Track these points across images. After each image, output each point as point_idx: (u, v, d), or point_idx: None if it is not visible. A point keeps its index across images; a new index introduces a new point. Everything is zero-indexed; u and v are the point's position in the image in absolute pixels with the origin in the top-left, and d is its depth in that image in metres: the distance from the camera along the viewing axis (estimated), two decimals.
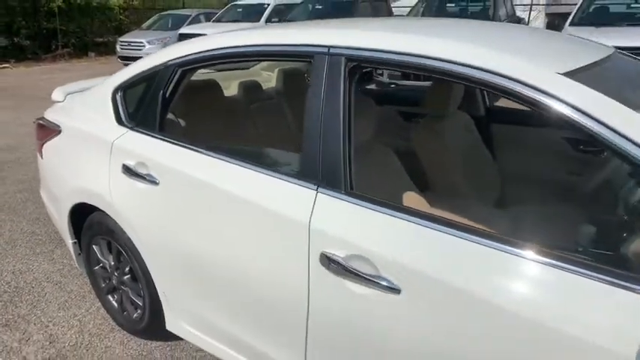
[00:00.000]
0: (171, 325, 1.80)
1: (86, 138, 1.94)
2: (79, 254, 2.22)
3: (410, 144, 2.09)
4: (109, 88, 1.95)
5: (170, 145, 1.63)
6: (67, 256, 2.72)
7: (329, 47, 1.28)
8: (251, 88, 2.41)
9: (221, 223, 1.42)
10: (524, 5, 11.47)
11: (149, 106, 1.75)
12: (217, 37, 1.59)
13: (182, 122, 1.98)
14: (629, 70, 1.37)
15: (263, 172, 1.35)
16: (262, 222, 1.31)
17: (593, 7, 6.72)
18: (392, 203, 1.14)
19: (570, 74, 0.98)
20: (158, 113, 1.71)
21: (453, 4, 8.07)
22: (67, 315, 2.24)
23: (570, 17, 6.90)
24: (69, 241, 2.20)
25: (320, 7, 9.15)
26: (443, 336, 1.02)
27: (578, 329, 0.87)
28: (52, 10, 13.11)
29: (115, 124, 1.84)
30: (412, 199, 1.72)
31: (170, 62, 1.69)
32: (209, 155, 1.50)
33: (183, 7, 17.18)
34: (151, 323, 1.90)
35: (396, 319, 1.07)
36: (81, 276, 2.48)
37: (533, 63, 1.00)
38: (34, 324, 2.17)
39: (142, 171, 1.65)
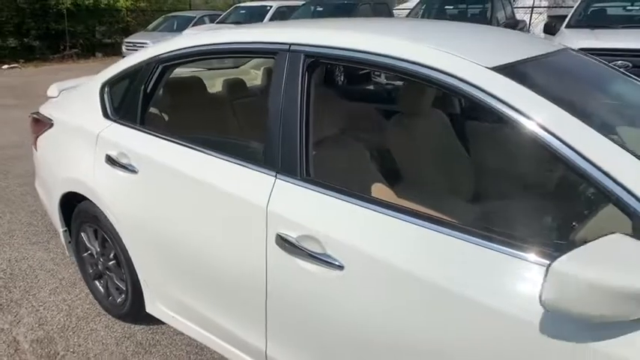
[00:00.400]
0: (150, 307, 1.90)
1: (75, 130, 2.05)
2: (69, 242, 2.33)
3: (384, 140, 2.18)
4: (97, 84, 2.06)
5: (149, 136, 1.73)
6: (61, 246, 2.83)
7: (290, 45, 1.38)
8: (235, 86, 2.52)
9: (191, 208, 1.52)
10: (525, 8, 11.51)
11: (132, 100, 1.86)
12: (194, 35, 1.70)
13: (164, 116, 2.09)
14: (571, 67, 1.44)
15: (230, 161, 1.45)
16: (227, 207, 1.41)
17: (589, 9, 6.76)
18: (341, 188, 1.23)
19: (498, 68, 1.07)
20: (139, 107, 1.82)
21: (452, 7, 8.12)
22: (57, 300, 2.35)
23: (567, 20, 6.95)
24: (60, 229, 2.32)
25: (321, 9, 9.26)
26: (381, 309, 1.11)
27: (497, 299, 0.95)
28: (61, 11, 13.36)
29: (102, 117, 1.96)
30: (380, 190, 1.81)
31: (151, 59, 1.80)
32: (183, 146, 1.61)
33: (190, 9, 17.43)
34: (132, 307, 2.01)
35: (339, 294, 1.16)
36: (73, 264, 2.59)
37: (465, 57, 1.09)
38: (26, 308, 2.29)
39: (123, 160, 1.76)
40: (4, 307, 2.29)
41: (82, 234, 2.18)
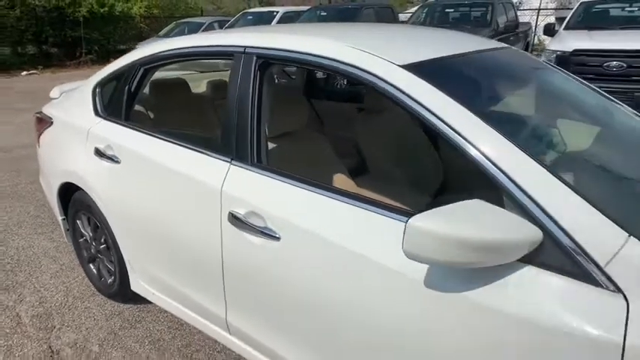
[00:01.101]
0: (134, 285, 2.11)
1: (71, 127, 2.28)
2: (68, 230, 2.56)
3: (351, 136, 2.36)
4: (91, 85, 2.29)
5: (131, 130, 1.94)
6: (63, 236, 3.07)
7: (245, 47, 1.57)
8: (218, 86, 2.73)
9: (162, 193, 1.72)
10: (532, 10, 11.53)
11: (118, 99, 2.08)
12: (168, 40, 1.91)
13: (149, 113, 2.31)
14: (495, 64, 1.60)
15: (196, 150, 1.65)
16: (191, 190, 1.60)
17: (587, 11, 6.81)
18: (283, 172, 1.41)
19: (409, 66, 1.24)
20: (124, 105, 2.04)
21: (452, 10, 8.25)
22: (56, 282, 2.58)
23: (565, 21, 7.03)
24: (59, 217, 2.56)
25: (324, 14, 9.48)
26: (311, 273, 1.28)
27: (392, 260, 1.11)
28: (77, 19, 13.85)
29: (93, 114, 2.18)
30: (341, 181, 1.99)
31: (133, 63, 2.02)
32: (159, 138, 1.81)
33: (202, 15, 17.85)
34: (120, 286, 2.22)
35: (277, 262, 1.34)
36: (73, 252, 2.82)
37: (380, 56, 1.26)
38: (28, 289, 2.52)
39: (109, 152, 1.97)
40: (9, 288, 2.53)
41: (78, 221, 2.41)
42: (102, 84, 2.23)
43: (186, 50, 1.82)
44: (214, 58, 1.78)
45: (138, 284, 2.09)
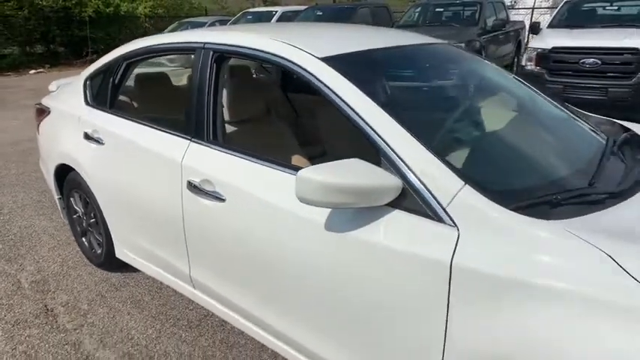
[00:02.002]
0: (118, 252, 2.41)
1: (64, 115, 2.59)
2: (63, 208, 2.88)
3: (310, 122, 2.64)
4: (82, 78, 2.60)
5: (113, 116, 2.24)
6: (61, 217, 3.39)
7: (204, 43, 1.86)
8: None
9: (137, 168, 2.02)
10: (526, 9, 11.71)
11: (104, 89, 2.38)
12: (147, 38, 2.21)
13: (132, 102, 2.61)
14: (420, 57, 1.87)
15: (165, 131, 1.94)
16: (158, 164, 1.90)
17: (571, 10, 7.03)
18: (230, 147, 1.70)
19: (327, 58, 1.52)
20: (109, 94, 2.34)
21: (443, 9, 8.48)
22: (53, 255, 2.89)
23: (549, 20, 7.25)
24: (55, 196, 2.87)
25: (320, 13, 9.75)
26: (250, 227, 1.57)
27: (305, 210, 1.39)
28: (84, 19, 14.27)
29: (83, 104, 2.48)
30: (298, 160, 2.28)
31: (117, 57, 2.32)
32: (136, 122, 2.11)
33: (206, 15, 18.21)
34: (107, 255, 2.52)
35: (224, 219, 1.63)
36: (70, 230, 3.13)
37: (304, 49, 1.55)
38: (29, 260, 2.84)
39: (95, 135, 2.28)
40: (12, 259, 2.85)
41: (71, 199, 2.72)
42: (92, 77, 2.54)
43: (160, 46, 2.12)
44: (181, 53, 2.07)
45: (121, 252, 2.39)
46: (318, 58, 1.52)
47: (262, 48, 1.64)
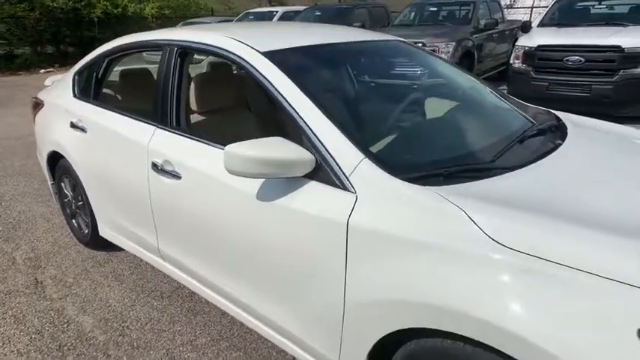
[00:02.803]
0: (101, 231, 2.66)
1: (55, 107, 2.84)
2: (56, 193, 3.13)
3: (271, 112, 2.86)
4: (71, 73, 2.85)
5: (95, 107, 2.48)
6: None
7: (170, 41, 2.09)
8: None
9: (113, 152, 2.25)
10: (525, 8, 11.79)
11: (89, 83, 2.63)
12: (123, 37, 2.45)
13: (116, 95, 2.85)
14: (355, 52, 2.08)
15: (137, 119, 2.17)
16: (130, 148, 2.12)
17: (561, 9, 7.15)
18: (188, 131, 1.92)
19: (267, 53, 1.73)
20: (93, 87, 2.59)
21: (436, 8, 8.64)
22: (47, 236, 3.15)
23: (539, 19, 7.38)
24: (49, 182, 3.13)
25: (319, 13, 9.96)
26: (203, 201, 1.79)
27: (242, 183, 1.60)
28: (93, 20, 14.68)
29: (72, 96, 2.73)
30: None
31: (100, 54, 2.57)
32: (115, 112, 2.34)
33: (212, 16, 18.54)
34: (92, 234, 2.76)
35: (181, 195, 1.85)
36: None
37: (248, 44, 1.76)
38: (24, 240, 3.10)
39: (79, 124, 2.52)
40: (9, 239, 3.11)
41: (62, 184, 2.97)
42: (79, 72, 2.79)
43: (135, 44, 2.36)
44: (152, 49, 2.30)
45: (104, 230, 2.63)
46: (260, 52, 1.74)
47: (215, 44, 1.87)
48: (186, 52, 2.05)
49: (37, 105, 3.11)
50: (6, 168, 4.64)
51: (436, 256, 1.16)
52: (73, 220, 3.02)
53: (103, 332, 2.16)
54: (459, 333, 1.09)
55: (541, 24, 7.20)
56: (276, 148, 1.40)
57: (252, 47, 1.76)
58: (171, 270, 2.17)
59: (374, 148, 1.41)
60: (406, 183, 1.29)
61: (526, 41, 6.43)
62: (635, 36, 5.67)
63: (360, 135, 1.46)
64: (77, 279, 2.62)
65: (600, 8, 6.95)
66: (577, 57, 5.83)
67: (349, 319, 1.34)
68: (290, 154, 1.39)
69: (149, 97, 2.44)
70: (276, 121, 1.66)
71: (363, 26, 9.25)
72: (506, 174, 1.40)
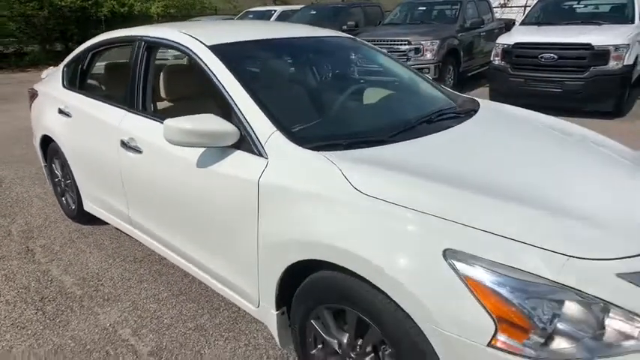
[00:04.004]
0: (85, 206, 3.00)
1: (47, 96, 3.20)
2: (48, 174, 3.49)
3: None
4: (62, 65, 3.20)
5: (80, 95, 2.83)
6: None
7: (140, 36, 2.43)
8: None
9: (92, 133, 2.60)
10: (519, 7, 11.98)
11: (75, 74, 2.98)
12: (103, 34, 2.79)
13: (100, 86, 3.20)
14: (297, 46, 2.40)
15: (113, 105, 2.51)
16: (105, 129, 2.46)
17: (544, 8, 7.38)
18: (150, 113, 2.25)
19: (212, 46, 2.05)
20: (78, 78, 2.94)
21: (425, 7, 8.90)
22: (40, 212, 3.51)
23: (522, 18, 7.62)
24: (42, 164, 3.49)
25: (314, 12, 10.28)
26: (160, 172, 2.12)
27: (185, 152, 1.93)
28: (100, 18, 15.13)
29: (61, 86, 3.08)
30: None
31: (84, 49, 2.92)
32: (95, 99, 2.69)
33: (216, 14, 18.93)
34: (78, 209, 3.11)
35: (142, 167, 2.18)
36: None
37: (198, 39, 2.08)
38: (20, 216, 3.46)
39: (66, 110, 2.87)
40: (7, 215, 3.48)
41: (53, 165, 3.33)
42: (68, 65, 3.14)
43: (113, 39, 2.70)
44: (126, 44, 2.63)
45: (87, 205, 2.98)
46: (206, 45, 2.06)
47: (172, 38, 2.20)
48: (150, 46, 2.39)
49: (33, 95, 3.47)
50: (9, 156, 5.03)
51: (317, 203, 1.47)
52: (63, 198, 3.38)
53: (80, 288, 2.51)
54: (332, 262, 1.41)
55: (523, 22, 7.45)
56: (205, 122, 1.72)
57: (200, 41, 2.08)
58: (139, 235, 2.50)
59: (287, 124, 1.73)
60: (305, 149, 1.61)
61: (505, 39, 6.68)
62: (605, 34, 5.91)
63: (277, 113, 1.77)
64: (63, 247, 2.97)
65: (580, 8, 7.18)
66: (550, 54, 6.08)
67: (262, 258, 1.65)
68: (216, 126, 1.71)
69: (124, 86, 2.78)
70: (217, 103, 1.96)
71: (356, 25, 9.54)
72: (392, 144, 1.70)
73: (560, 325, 1.11)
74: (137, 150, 2.21)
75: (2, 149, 5.28)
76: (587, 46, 5.81)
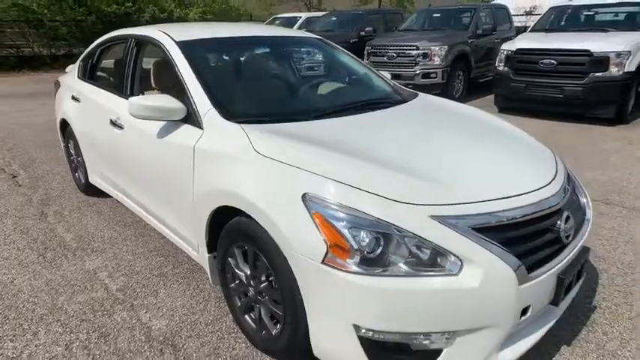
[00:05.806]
0: (91, 179, 3.53)
1: (66, 86, 3.77)
2: (66, 153, 4.07)
3: None
4: (79, 61, 3.77)
5: (89, 85, 3.37)
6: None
7: (131, 35, 2.92)
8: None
9: (95, 116, 3.11)
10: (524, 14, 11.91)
11: (86, 67, 3.53)
12: (110, 33, 3.32)
13: (109, 78, 3.74)
14: (261, 43, 2.81)
15: (110, 91, 3.02)
16: (102, 111, 2.96)
17: (555, 16, 7.46)
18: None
19: (180, 42, 2.49)
20: (89, 70, 3.49)
21: (439, 14, 9.12)
22: (59, 186, 4.10)
23: (532, 25, 7.73)
24: (62, 144, 4.08)
25: (335, 18, 10.71)
26: (137, 145, 2.57)
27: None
28: (142, 23, 16.22)
29: (76, 77, 3.65)
30: None
31: (95, 45, 3.47)
32: (99, 87, 3.21)
33: (251, 20, 19.76)
34: (86, 182, 3.65)
35: (125, 142, 2.66)
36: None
37: (169, 35, 2.53)
38: (42, 188, 4.06)
39: (77, 96, 3.42)
40: (32, 187, 4.08)
41: (69, 145, 3.90)
42: (83, 59, 3.70)
43: (115, 37, 3.23)
44: (123, 41, 3.13)
45: (92, 178, 3.51)
46: (174, 41, 2.51)
47: (151, 35, 2.68)
48: (138, 42, 2.88)
49: (56, 85, 4.08)
50: (42, 141, 5.73)
51: (230, 162, 1.88)
52: (76, 174, 3.94)
53: (76, 242, 3.01)
54: (235, 206, 1.79)
55: (533, 29, 7.55)
56: (160, 100, 2.16)
57: (171, 37, 2.54)
58: (124, 199, 2.99)
59: (223, 103, 2.14)
60: (231, 123, 2.01)
61: (509, 45, 6.84)
62: (607, 41, 5.97)
63: (217, 94, 2.19)
64: (70, 213, 3.51)
65: (589, 15, 7.21)
66: (550, 60, 6.20)
67: (195, 205, 2.07)
68: (168, 104, 2.15)
69: (120, 76, 3.29)
70: (178, 88, 2.39)
71: (374, 30, 9.88)
72: (310, 122, 2.08)
73: (379, 250, 1.45)
74: (120, 127, 2.69)
75: (39, 135, 5.99)
76: (586, 53, 5.90)
